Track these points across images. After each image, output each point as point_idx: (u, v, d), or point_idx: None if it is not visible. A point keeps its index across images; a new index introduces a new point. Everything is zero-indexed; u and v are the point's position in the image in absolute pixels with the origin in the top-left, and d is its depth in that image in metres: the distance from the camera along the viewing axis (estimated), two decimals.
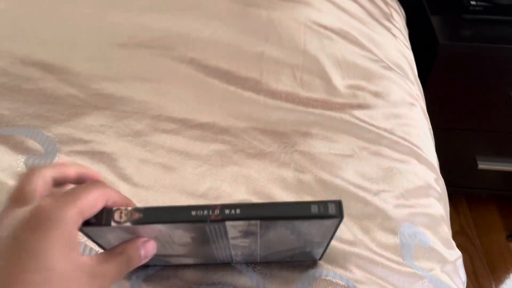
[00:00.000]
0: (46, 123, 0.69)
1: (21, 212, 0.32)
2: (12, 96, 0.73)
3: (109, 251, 0.37)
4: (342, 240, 0.56)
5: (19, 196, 0.34)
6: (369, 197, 0.62)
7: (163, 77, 0.76)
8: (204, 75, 0.76)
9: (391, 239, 0.59)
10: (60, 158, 0.64)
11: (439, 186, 0.71)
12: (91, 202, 0.34)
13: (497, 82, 1.21)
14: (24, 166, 0.62)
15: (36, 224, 0.30)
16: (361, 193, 0.62)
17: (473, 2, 1.19)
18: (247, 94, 0.74)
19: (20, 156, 0.63)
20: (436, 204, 0.67)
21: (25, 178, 0.35)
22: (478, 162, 1.41)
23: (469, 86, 1.23)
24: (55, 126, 0.68)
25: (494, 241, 1.54)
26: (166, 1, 0.86)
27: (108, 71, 0.77)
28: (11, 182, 0.59)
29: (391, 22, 0.97)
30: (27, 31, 0.84)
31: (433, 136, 0.85)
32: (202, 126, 0.70)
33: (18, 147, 0.64)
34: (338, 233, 0.57)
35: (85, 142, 0.66)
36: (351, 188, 0.63)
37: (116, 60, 0.79)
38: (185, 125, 0.70)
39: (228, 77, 0.76)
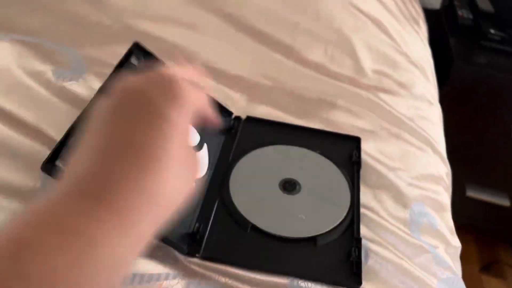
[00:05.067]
0: (77, 43, 0.68)
1: (156, 77, 0.29)
2: (45, 13, 0.72)
3: None
4: None
5: None
6: (385, 171, 0.63)
7: (197, 25, 0.76)
8: (238, 31, 0.77)
9: (401, 212, 0.59)
10: (88, 77, 0.63)
11: (448, 180, 0.72)
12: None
13: (502, 113, 1.25)
14: (52, 75, 0.61)
15: (171, 94, 0.28)
16: (378, 166, 0.63)
17: (492, 31, 1.22)
18: (277, 56, 0.75)
19: (49, 66, 0.62)
20: (445, 194, 0.68)
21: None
22: (467, 190, 1.44)
23: (474, 111, 1.26)
24: (85, 48, 0.68)
25: (467, 271, 1.55)
26: None
27: (144, 9, 0.77)
28: (36, 86, 0.58)
29: (419, 28, 0.99)
30: None
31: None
32: (230, 77, 0.70)
33: (48, 58, 0.63)
34: None
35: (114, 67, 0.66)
36: (369, 159, 0.63)
37: (151, 1, 0.79)
38: (214, 73, 0.70)
39: (261, 37, 0.76)
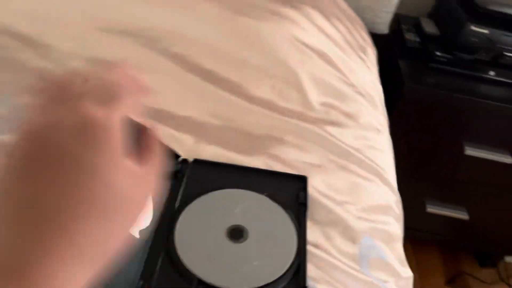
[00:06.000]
0: (17, 91, 0.66)
1: (67, 121, 0.25)
2: None
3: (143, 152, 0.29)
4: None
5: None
6: (333, 206, 0.64)
7: (143, 66, 0.76)
8: (185, 71, 0.77)
9: (350, 248, 0.60)
10: None
11: (398, 208, 0.74)
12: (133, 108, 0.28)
13: (453, 130, 1.29)
14: None
15: (88, 138, 0.24)
16: (326, 201, 0.64)
17: (438, 53, 1.27)
18: (226, 95, 0.75)
19: None
20: (395, 223, 0.69)
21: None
22: (427, 205, 1.47)
23: (427, 130, 1.30)
24: (23, 95, 0.66)
25: (434, 285, 1.59)
26: None
27: (87, 52, 0.76)
28: None
29: (366, 55, 1.02)
30: (11, 3, 0.82)
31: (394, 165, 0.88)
32: (177, 118, 0.70)
33: None
34: None
35: None
36: (317, 195, 0.64)
37: (97, 43, 0.78)
38: (160, 115, 0.70)
39: (209, 76, 0.77)
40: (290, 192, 0.62)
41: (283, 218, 0.58)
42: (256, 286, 0.49)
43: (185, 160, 0.62)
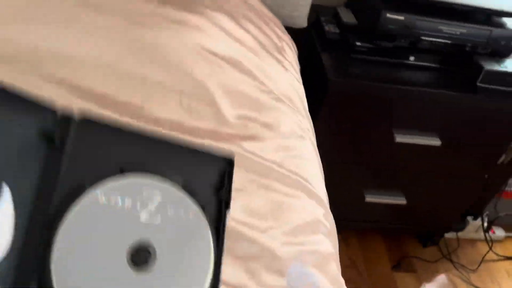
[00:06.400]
0: None
1: None
2: None
3: None
4: (227, 284, 0.50)
5: None
6: (256, 235, 0.57)
7: None
8: (75, 98, 0.66)
9: (278, 281, 0.54)
10: None
11: (328, 221, 0.69)
12: None
13: (382, 119, 1.28)
14: None
15: None
16: (247, 231, 0.57)
17: (358, 43, 1.25)
18: (126, 120, 0.66)
19: None
20: (325, 240, 0.64)
21: None
22: (366, 195, 1.47)
23: (357, 122, 1.28)
24: None
25: (381, 272, 1.60)
26: (36, 11, 0.75)
27: None
28: None
29: (283, 56, 0.96)
30: None
31: (322, 170, 0.84)
32: None
33: None
34: (222, 276, 0.50)
35: None
36: (237, 226, 0.57)
37: None
38: None
39: (103, 101, 0.67)
40: (211, 180, 0.47)
41: (201, 228, 0.44)
42: None
43: (67, 118, 0.40)
